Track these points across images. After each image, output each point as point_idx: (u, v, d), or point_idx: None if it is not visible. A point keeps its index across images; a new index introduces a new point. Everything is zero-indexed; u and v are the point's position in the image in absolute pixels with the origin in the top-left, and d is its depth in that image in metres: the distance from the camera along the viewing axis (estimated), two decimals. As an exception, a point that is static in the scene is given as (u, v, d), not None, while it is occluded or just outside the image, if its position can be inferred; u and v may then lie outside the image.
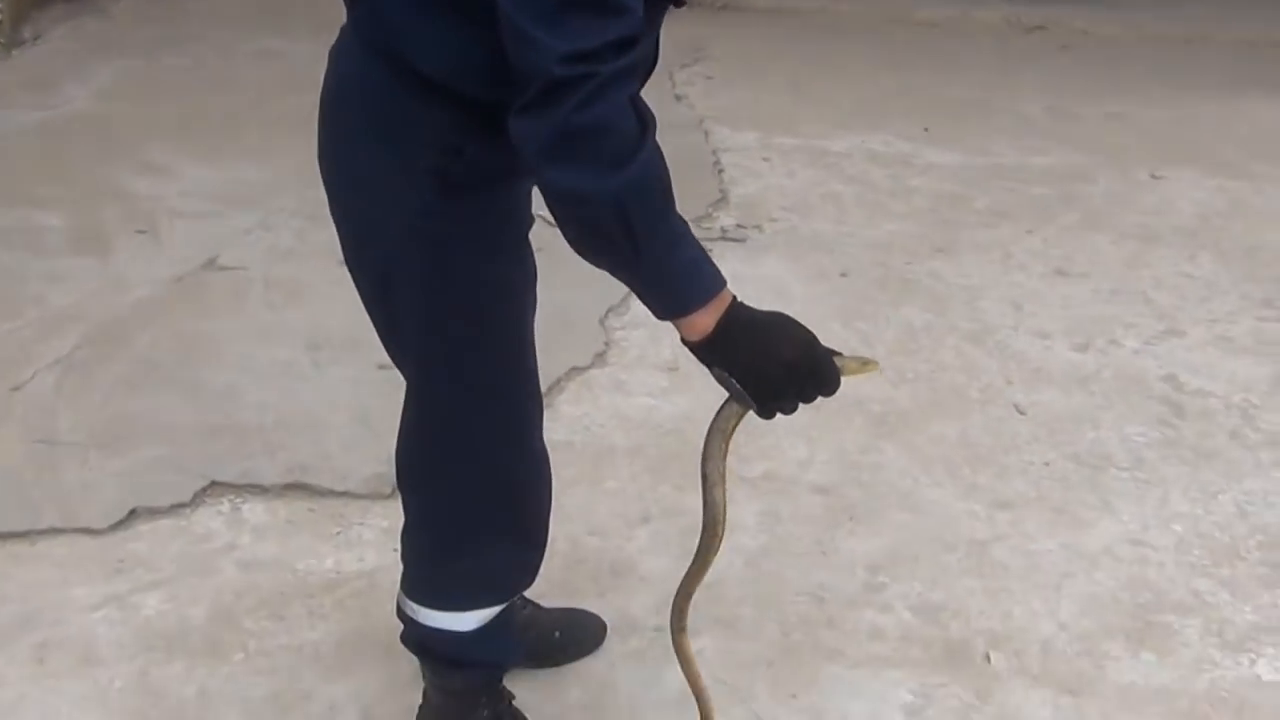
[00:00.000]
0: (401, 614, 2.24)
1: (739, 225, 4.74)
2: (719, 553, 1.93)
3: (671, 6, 1.79)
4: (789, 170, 5.31)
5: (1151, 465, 3.34)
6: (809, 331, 1.79)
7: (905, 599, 2.84)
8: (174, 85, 6.36)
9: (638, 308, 4.08)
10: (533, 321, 2.08)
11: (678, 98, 6.13)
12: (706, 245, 4.48)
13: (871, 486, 3.24)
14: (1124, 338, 4.00)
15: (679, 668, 2.07)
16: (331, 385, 3.65)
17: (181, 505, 3.10)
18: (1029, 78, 6.66)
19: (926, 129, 5.90)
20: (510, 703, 2.33)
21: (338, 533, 3.02)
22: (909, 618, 2.79)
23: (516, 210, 1.96)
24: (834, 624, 2.76)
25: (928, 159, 5.54)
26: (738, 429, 1.84)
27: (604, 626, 2.69)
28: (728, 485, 1.88)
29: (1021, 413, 3.58)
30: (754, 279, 4.13)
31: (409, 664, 2.32)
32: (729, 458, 1.86)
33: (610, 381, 3.69)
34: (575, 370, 3.70)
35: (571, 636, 2.65)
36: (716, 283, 1.73)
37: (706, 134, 5.63)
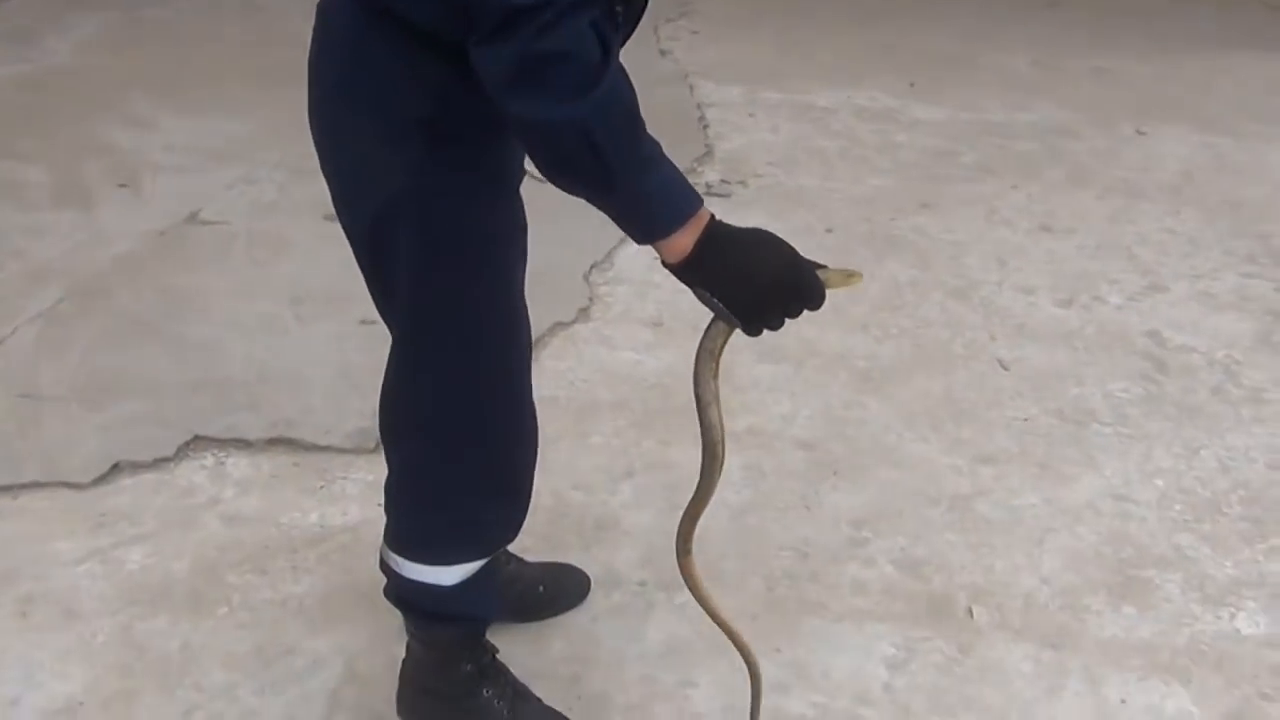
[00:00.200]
0: (384, 567, 2.24)
1: (724, 180, 4.73)
2: (722, 473, 1.91)
3: None
4: (774, 125, 5.30)
5: (1134, 421, 3.35)
6: (790, 246, 1.77)
7: (888, 553, 2.85)
8: (156, 38, 6.33)
9: (622, 263, 4.09)
10: (523, 275, 2.07)
11: (663, 52, 6.10)
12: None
13: (855, 441, 3.24)
14: (1108, 294, 4.01)
15: (688, 593, 2.06)
16: (315, 340, 3.64)
17: (164, 459, 3.10)
18: (1015, 33, 6.66)
19: (912, 84, 5.90)
20: (493, 656, 2.33)
21: (321, 487, 3.02)
22: (892, 572, 2.80)
23: (506, 163, 1.95)
24: (817, 578, 2.77)
25: (913, 114, 5.54)
26: (726, 348, 1.82)
27: (588, 581, 2.70)
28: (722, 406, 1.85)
29: (1005, 368, 3.58)
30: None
31: (393, 618, 2.33)
32: (720, 378, 1.84)
33: (594, 336, 3.68)
34: (559, 325, 3.70)
35: (556, 591, 2.66)
36: (692, 203, 1.72)
37: (691, 89, 5.61)
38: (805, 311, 1.77)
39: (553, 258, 3.54)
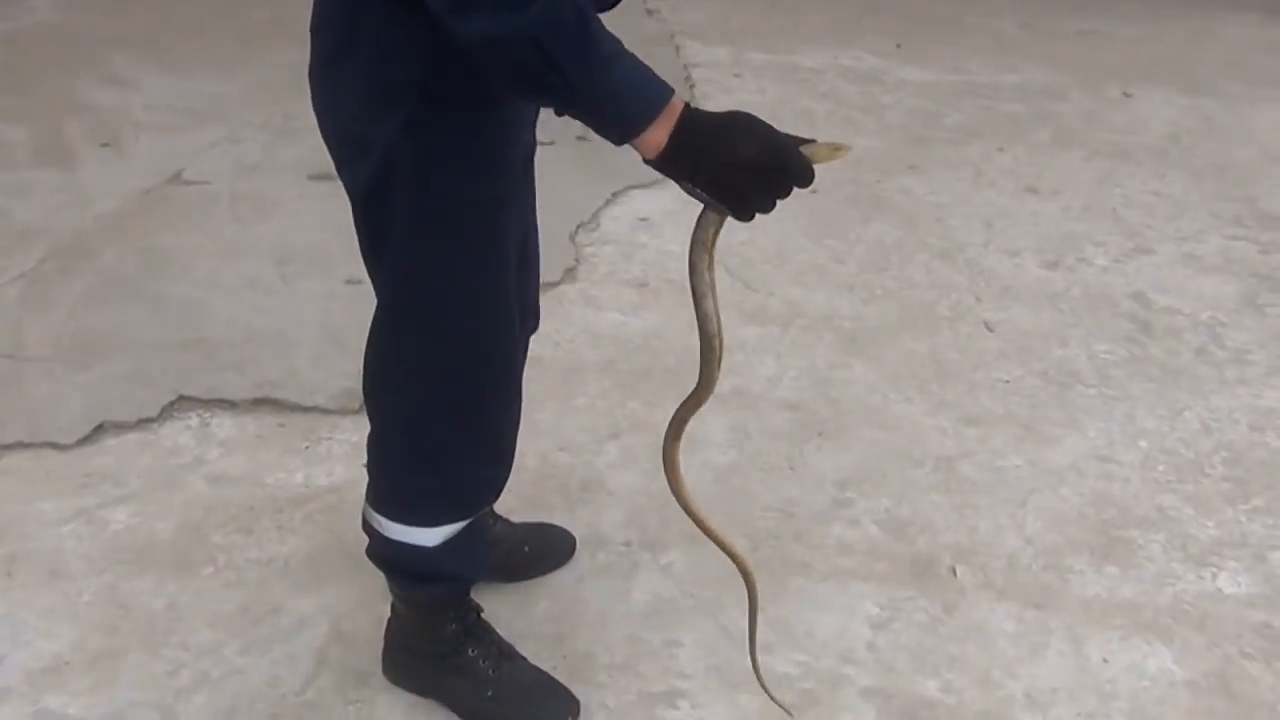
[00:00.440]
0: (367, 527, 2.23)
1: (710, 141, 4.71)
2: (721, 366, 1.88)
3: None
4: (760, 86, 5.28)
5: (1118, 382, 3.36)
6: (769, 126, 1.73)
7: (873, 514, 2.86)
8: (138, -4, 6.28)
9: (608, 225, 4.09)
10: (519, 241, 2.05)
11: (649, 12, 6.08)
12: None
13: (840, 403, 3.25)
14: (1093, 256, 4.01)
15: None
16: (300, 300, 3.63)
17: (149, 420, 3.09)
18: (1002, -6, 6.64)
19: (899, 45, 5.88)
20: (478, 615, 2.33)
21: (306, 447, 3.02)
22: (876, 532, 2.80)
23: (504, 128, 1.93)
24: (802, 538, 2.78)
25: (899, 76, 5.53)
26: (719, 236, 1.78)
27: (573, 541, 2.70)
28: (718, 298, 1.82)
29: (990, 330, 3.59)
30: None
31: (378, 578, 2.33)
32: (716, 268, 1.82)
33: (580, 297, 3.68)
34: (545, 286, 3.65)
35: (541, 551, 2.66)
36: (662, 95, 1.67)
37: (678, 49, 5.59)
38: (795, 189, 1.74)
39: (539, 219, 3.54)
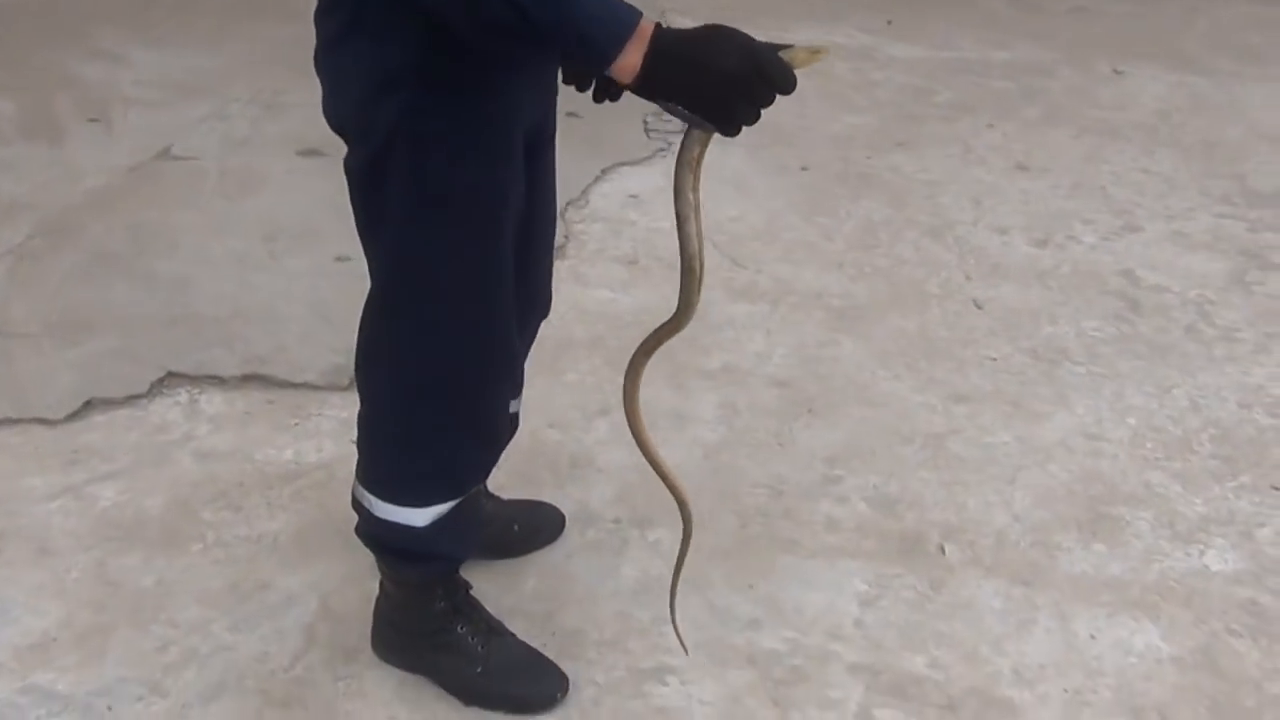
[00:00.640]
0: (357, 505, 2.23)
1: (699, 118, 4.70)
2: (701, 292, 1.85)
3: None
4: (750, 62, 5.26)
5: (1107, 360, 3.36)
6: (745, 35, 1.71)
7: (861, 491, 2.86)
8: (125, -31, 6.25)
9: (597, 201, 4.08)
10: (521, 225, 2.05)
11: (639, -13, 6.06)
12: (665, 138, 4.48)
13: (829, 380, 3.25)
14: (1082, 233, 4.02)
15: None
16: (288, 276, 3.62)
17: (137, 396, 3.09)
18: (993, -30, 6.63)
19: (889, 22, 5.88)
20: (467, 593, 2.33)
21: (295, 424, 3.01)
22: (865, 509, 2.81)
23: (504, 115, 1.92)
24: (791, 515, 2.78)
25: (890, 52, 5.52)
26: (705, 154, 1.77)
27: (562, 519, 2.71)
28: (702, 220, 1.80)
29: (979, 307, 3.59)
30: (715, 172, 4.10)
31: (366, 554, 2.32)
32: (700, 192, 1.78)
33: (569, 274, 3.67)
34: (534, 262, 3.69)
35: (530, 528, 2.66)
36: (629, 19, 1.66)
37: (667, 25, 5.57)
38: (778, 97, 1.71)
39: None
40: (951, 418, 3.12)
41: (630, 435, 2.04)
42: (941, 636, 2.47)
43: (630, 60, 1.66)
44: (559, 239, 3.79)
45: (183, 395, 3.10)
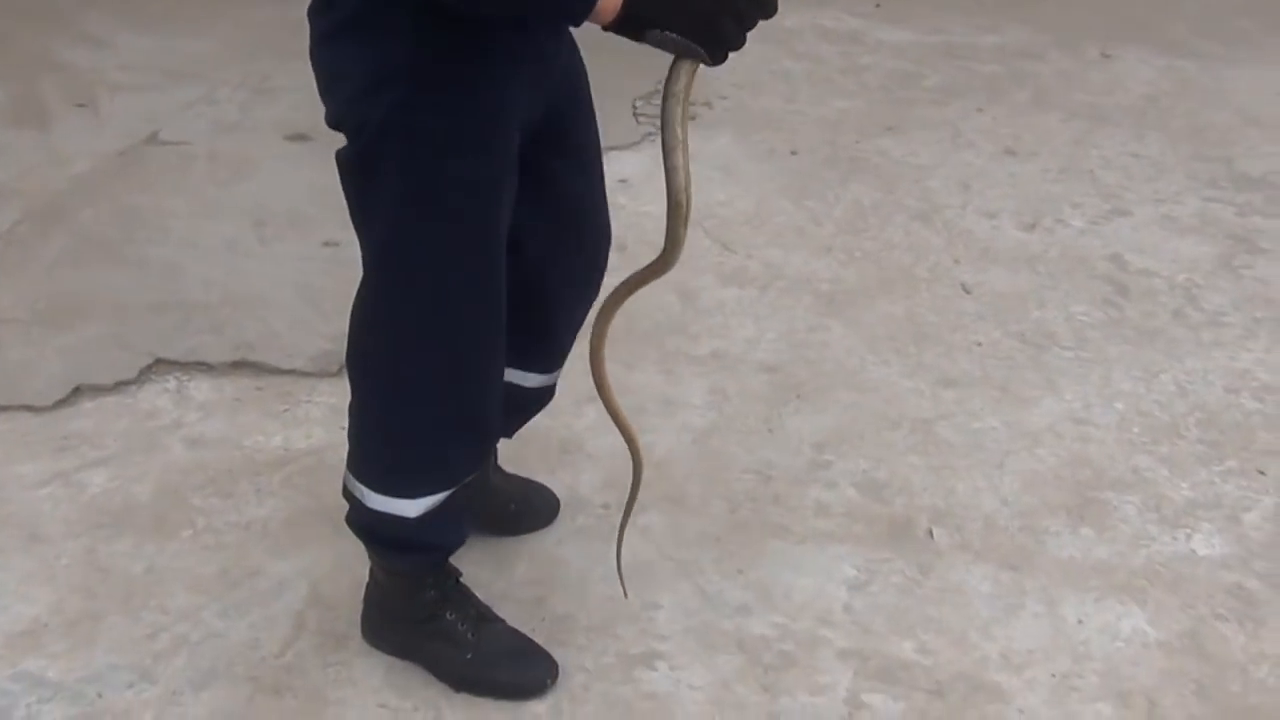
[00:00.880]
0: (347, 494, 2.23)
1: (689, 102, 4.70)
2: (688, 228, 1.85)
3: None
4: (739, 46, 5.26)
5: (1095, 344, 3.37)
6: None
7: (850, 476, 2.87)
8: (112, -47, 6.22)
9: (586, 185, 4.07)
10: (507, 218, 2.05)
11: (627, -29, 6.04)
12: (655, 122, 4.47)
13: (818, 365, 3.25)
14: (1071, 217, 4.02)
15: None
16: (278, 262, 3.61)
17: (127, 382, 3.08)
18: (982, -47, 6.61)
19: (878, 5, 5.87)
20: (457, 581, 2.34)
21: (285, 410, 3.01)
22: (854, 494, 2.82)
23: (497, 111, 1.93)
24: (780, 501, 2.79)
25: (878, 36, 5.51)
26: (692, 87, 1.78)
27: (557, 503, 2.71)
28: (689, 152, 1.80)
29: (968, 292, 3.59)
30: (704, 156, 4.11)
31: (356, 541, 2.32)
32: (689, 129, 1.79)
33: (558, 259, 3.67)
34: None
35: (526, 509, 2.67)
36: None
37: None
38: (761, 22, 1.74)
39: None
40: (940, 403, 3.12)
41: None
42: (930, 621, 2.48)
43: (611, 1, 1.68)
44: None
45: (172, 382, 3.10)
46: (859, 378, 3.21)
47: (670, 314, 3.42)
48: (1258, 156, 4.47)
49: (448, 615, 2.29)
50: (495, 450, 2.59)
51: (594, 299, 2.35)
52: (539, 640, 2.35)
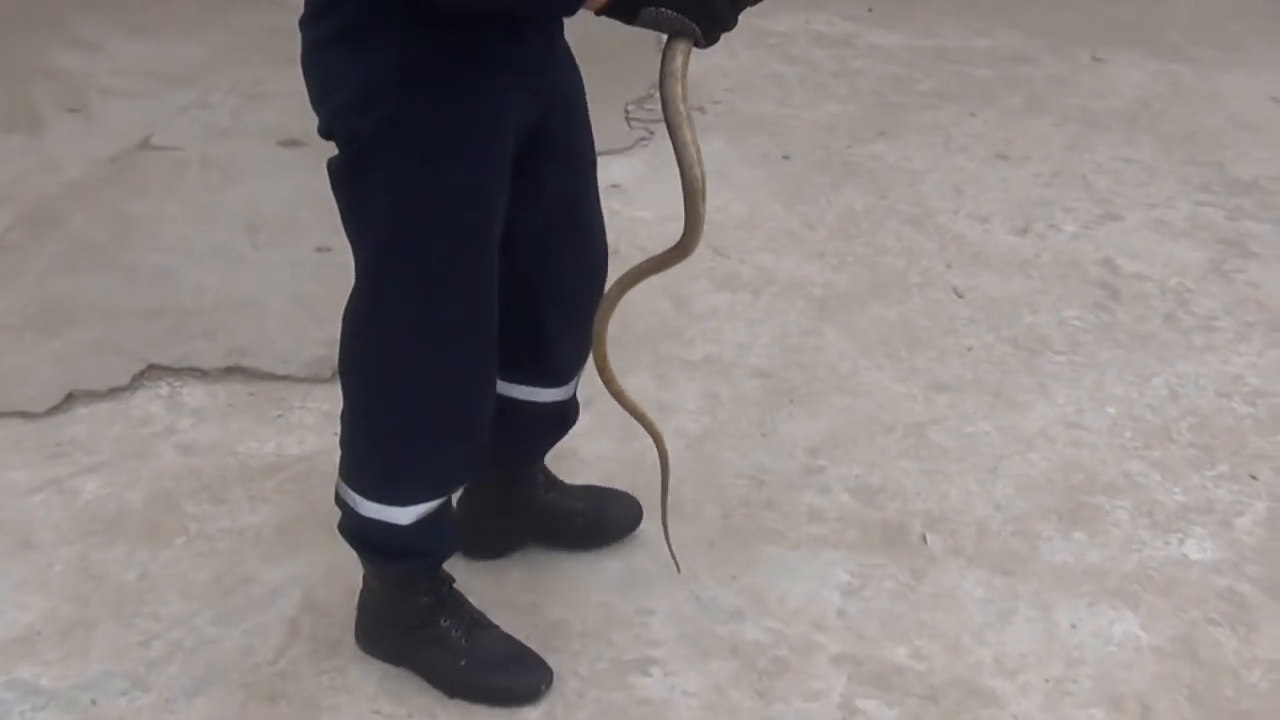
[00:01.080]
0: (340, 502, 2.24)
1: (681, 106, 4.70)
2: (705, 195, 1.86)
3: None
4: (731, 51, 5.26)
5: (1087, 349, 3.38)
6: None
7: (844, 481, 2.87)
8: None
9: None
10: (500, 226, 2.05)
11: (620, -25, 6.04)
12: (648, 127, 4.47)
13: (811, 369, 3.26)
14: (1063, 222, 4.03)
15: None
16: (270, 267, 3.61)
17: (119, 389, 3.08)
18: (973, -43, 6.62)
19: (870, 9, 5.87)
20: (451, 587, 2.34)
21: (278, 416, 3.01)
22: (847, 499, 2.82)
23: (488, 120, 1.93)
24: (773, 506, 2.79)
25: (871, 40, 5.52)
26: (688, 65, 1.80)
27: (639, 510, 2.68)
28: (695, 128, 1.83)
29: (960, 296, 3.60)
30: (696, 161, 4.11)
31: (350, 548, 2.33)
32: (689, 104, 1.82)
33: (551, 264, 3.67)
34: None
35: (599, 523, 2.64)
36: None
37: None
38: (751, 4, 1.77)
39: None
40: (933, 407, 3.13)
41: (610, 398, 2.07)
42: (923, 626, 2.48)
43: None
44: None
45: (164, 388, 3.10)
46: (852, 382, 3.21)
47: (663, 319, 3.42)
48: (1249, 160, 4.48)
49: (441, 622, 2.30)
50: (544, 469, 2.60)
51: (591, 309, 2.34)
52: (533, 646, 2.35)
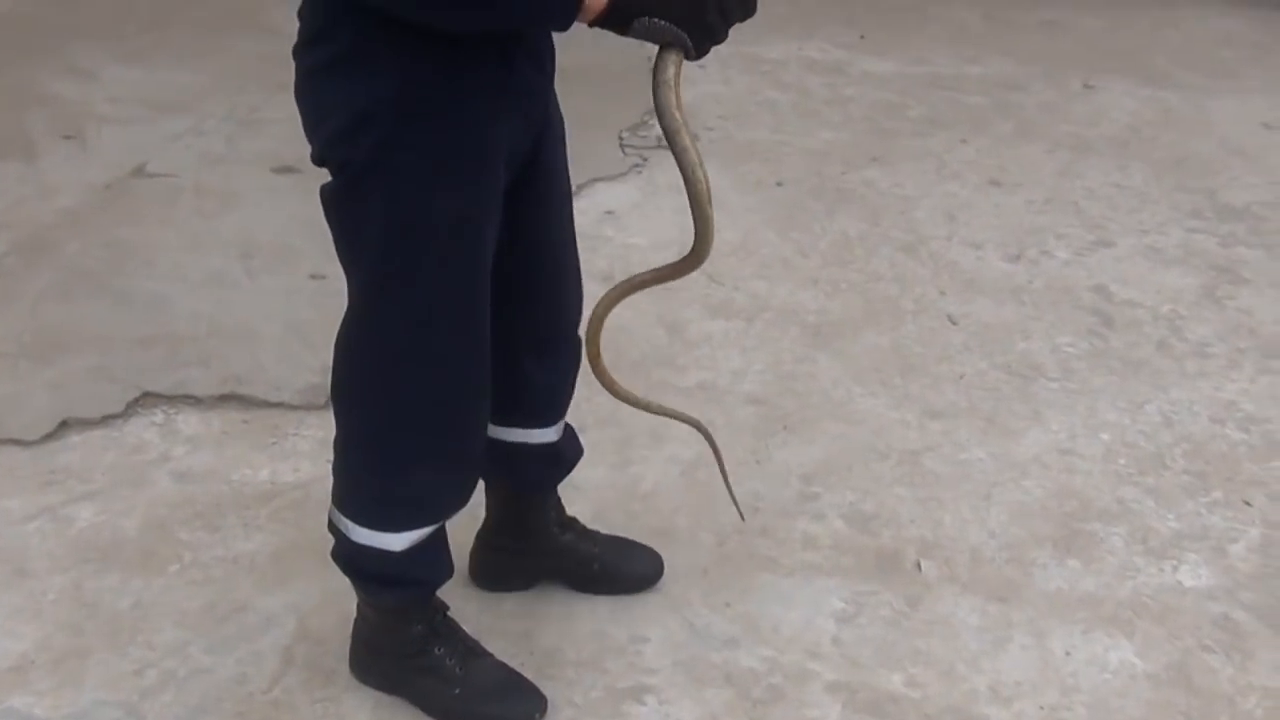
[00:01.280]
0: (333, 528, 2.23)
1: (675, 133, 4.71)
2: (712, 201, 1.88)
3: None
4: (725, 78, 5.29)
5: (1080, 375, 3.38)
6: None
7: (838, 508, 2.88)
8: (99, -15, 6.23)
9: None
10: (491, 253, 2.05)
11: (613, 3, 6.06)
12: (641, 153, 4.48)
13: (805, 396, 3.26)
14: (1055, 248, 4.04)
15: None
16: (265, 294, 3.62)
17: (114, 416, 3.08)
18: (965, -15, 6.67)
19: (862, 36, 5.90)
20: (445, 615, 2.33)
21: (272, 443, 3.01)
22: (841, 526, 2.82)
23: (480, 146, 1.94)
24: (768, 533, 2.79)
25: (863, 67, 5.54)
26: (680, 75, 1.82)
27: (659, 565, 2.64)
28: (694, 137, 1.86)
29: (954, 323, 3.61)
30: (690, 188, 4.12)
31: (343, 575, 2.33)
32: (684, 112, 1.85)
33: (545, 291, 3.67)
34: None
35: (614, 573, 2.60)
36: None
37: (642, 41, 5.58)
38: (740, 21, 1.79)
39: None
40: (927, 434, 3.13)
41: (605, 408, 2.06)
42: (918, 654, 2.48)
43: None
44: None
45: (159, 415, 3.10)
46: (846, 409, 3.22)
47: (657, 346, 3.43)
48: (1240, 187, 4.50)
49: (435, 650, 2.29)
50: (558, 508, 2.59)
51: (572, 350, 2.34)
52: (527, 674, 2.34)
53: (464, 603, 2.47)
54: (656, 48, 1.81)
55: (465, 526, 2.48)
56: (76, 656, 2.41)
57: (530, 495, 2.52)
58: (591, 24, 1.77)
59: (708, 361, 3.38)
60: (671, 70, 1.80)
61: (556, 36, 1.91)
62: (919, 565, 2.71)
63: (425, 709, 2.30)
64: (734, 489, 2.45)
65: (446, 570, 2.31)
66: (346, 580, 2.30)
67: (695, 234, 1.90)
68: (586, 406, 3.12)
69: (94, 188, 4.21)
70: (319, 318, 3.36)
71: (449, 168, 1.89)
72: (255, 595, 2.57)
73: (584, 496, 2.85)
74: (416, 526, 2.16)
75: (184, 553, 2.68)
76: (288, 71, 1.94)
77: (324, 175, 1.97)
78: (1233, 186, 4.50)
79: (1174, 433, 3.17)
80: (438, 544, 2.23)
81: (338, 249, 2.02)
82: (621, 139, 4.63)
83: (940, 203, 4.32)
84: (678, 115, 1.81)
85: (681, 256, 1.97)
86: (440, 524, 2.20)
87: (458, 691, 2.28)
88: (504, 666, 2.34)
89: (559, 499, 2.58)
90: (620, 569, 2.61)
